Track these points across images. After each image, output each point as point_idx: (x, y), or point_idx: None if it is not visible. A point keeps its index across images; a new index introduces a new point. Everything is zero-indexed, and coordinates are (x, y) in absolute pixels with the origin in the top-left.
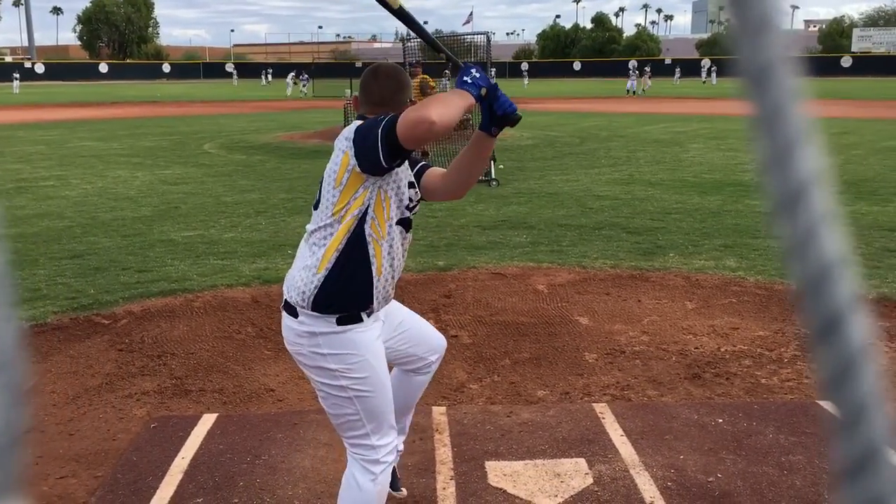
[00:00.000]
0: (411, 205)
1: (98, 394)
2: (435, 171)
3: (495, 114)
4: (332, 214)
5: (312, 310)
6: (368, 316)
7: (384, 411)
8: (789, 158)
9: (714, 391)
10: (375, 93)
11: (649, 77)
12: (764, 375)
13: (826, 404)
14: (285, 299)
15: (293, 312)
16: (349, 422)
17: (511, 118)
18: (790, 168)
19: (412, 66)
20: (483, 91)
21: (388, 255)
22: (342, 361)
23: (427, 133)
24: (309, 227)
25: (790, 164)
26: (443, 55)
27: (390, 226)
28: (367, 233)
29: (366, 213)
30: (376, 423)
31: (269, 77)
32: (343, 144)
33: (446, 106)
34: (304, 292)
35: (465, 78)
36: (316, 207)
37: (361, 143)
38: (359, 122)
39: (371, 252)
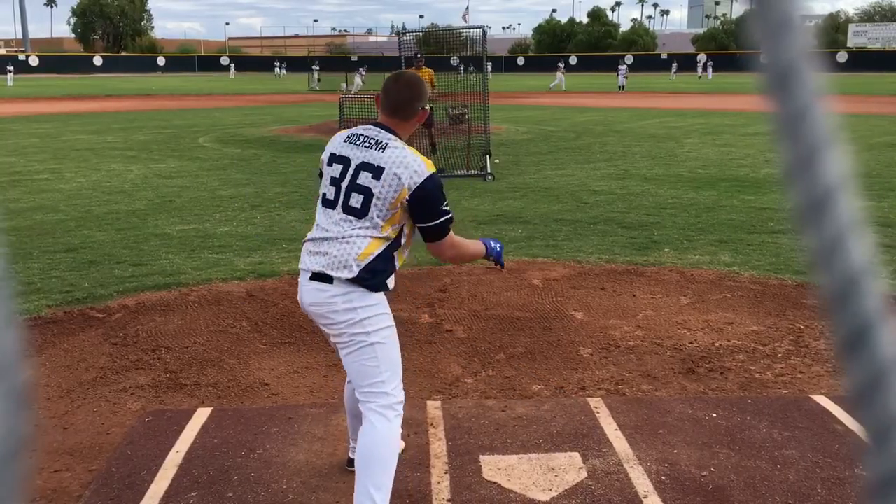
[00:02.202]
0: None
1: (92, 387)
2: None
3: (490, 256)
4: (381, 228)
5: (352, 281)
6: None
7: (397, 364)
8: (815, 163)
9: (708, 386)
10: (394, 98)
11: None
12: (758, 370)
13: (829, 405)
14: (316, 272)
15: (328, 280)
16: (367, 369)
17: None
18: (816, 173)
19: (416, 60)
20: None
21: (403, 256)
22: (370, 312)
23: (439, 256)
24: (345, 229)
25: (816, 168)
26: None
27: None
28: (400, 243)
29: (402, 230)
30: (391, 372)
31: (284, 70)
32: (402, 181)
33: (464, 257)
34: (347, 269)
35: (494, 246)
36: (359, 216)
37: (422, 204)
38: (424, 172)
39: (395, 256)
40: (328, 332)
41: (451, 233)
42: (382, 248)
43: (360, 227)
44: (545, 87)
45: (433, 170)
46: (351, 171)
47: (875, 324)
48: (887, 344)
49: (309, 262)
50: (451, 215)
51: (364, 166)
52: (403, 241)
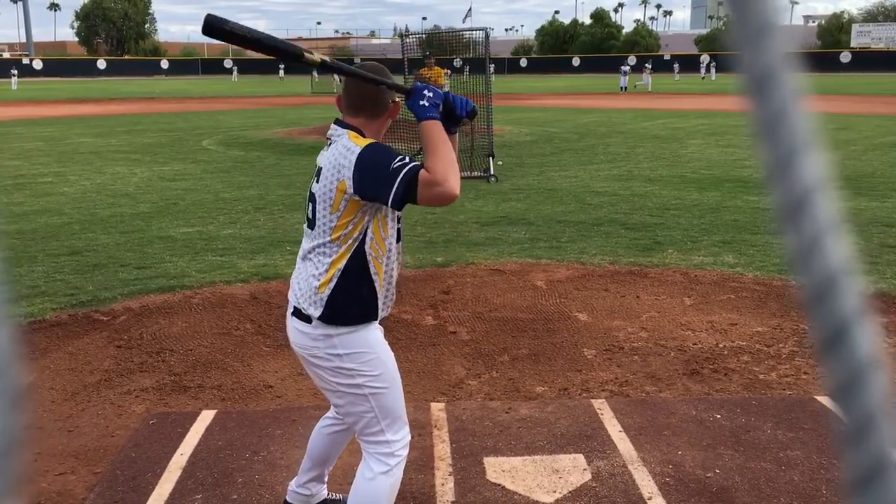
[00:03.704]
0: (400, 216)
1: (97, 390)
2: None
3: (455, 116)
4: (332, 239)
5: (320, 320)
6: (376, 318)
7: (398, 406)
8: (793, 165)
9: (712, 387)
10: (354, 95)
11: None
12: (762, 371)
13: (832, 406)
14: (295, 307)
15: (306, 318)
16: (364, 419)
17: (470, 116)
18: (794, 174)
19: (426, 58)
20: (441, 107)
21: (387, 268)
22: (358, 360)
23: (449, 203)
24: (305, 246)
25: (794, 170)
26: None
27: (389, 243)
28: (367, 253)
29: (365, 234)
30: (390, 419)
31: (316, 75)
32: (338, 173)
33: (453, 164)
34: (313, 304)
35: (422, 102)
36: (311, 227)
37: (367, 178)
38: (356, 149)
39: (372, 270)
40: (314, 379)
41: (422, 172)
42: (341, 266)
43: (314, 240)
44: (547, 89)
45: (369, 141)
46: (312, 181)
47: (853, 322)
48: (865, 342)
49: (290, 290)
50: (407, 168)
51: (317, 172)
52: (371, 252)
